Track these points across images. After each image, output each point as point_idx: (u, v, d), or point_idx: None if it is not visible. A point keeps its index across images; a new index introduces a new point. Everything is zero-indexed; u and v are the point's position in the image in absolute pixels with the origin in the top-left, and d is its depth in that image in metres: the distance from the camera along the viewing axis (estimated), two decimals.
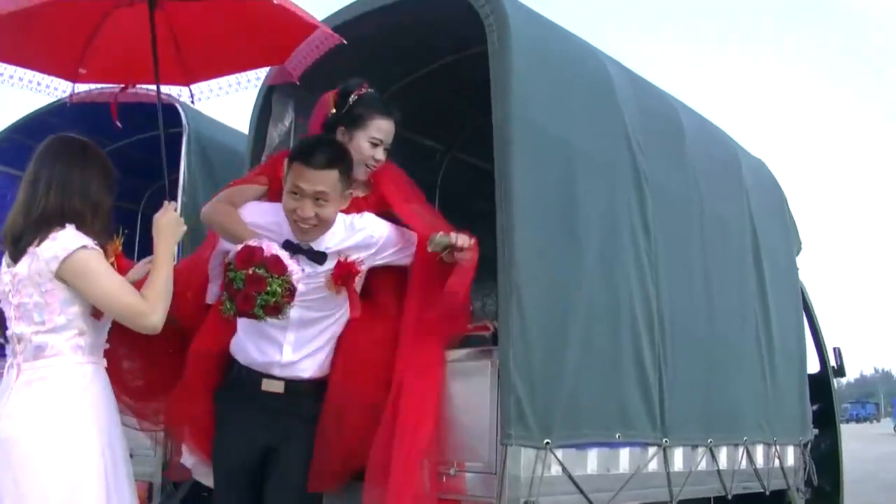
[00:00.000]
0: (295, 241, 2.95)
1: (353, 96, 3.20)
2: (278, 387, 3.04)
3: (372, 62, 3.97)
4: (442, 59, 4.16)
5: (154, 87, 3.28)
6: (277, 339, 3.03)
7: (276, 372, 3.05)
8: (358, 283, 3.02)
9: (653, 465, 3.58)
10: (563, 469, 3.10)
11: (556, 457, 3.05)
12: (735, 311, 4.39)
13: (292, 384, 3.05)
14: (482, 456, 2.97)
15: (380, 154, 3.22)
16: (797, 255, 5.46)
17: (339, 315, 3.07)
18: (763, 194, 4.99)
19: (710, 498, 4.38)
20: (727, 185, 4.56)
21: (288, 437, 3.03)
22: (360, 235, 3.04)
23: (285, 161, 2.96)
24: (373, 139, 3.18)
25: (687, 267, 3.99)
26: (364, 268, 3.03)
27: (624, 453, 3.44)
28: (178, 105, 4.73)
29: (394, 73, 4.14)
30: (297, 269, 2.81)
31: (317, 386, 3.08)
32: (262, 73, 3.54)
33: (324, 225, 2.93)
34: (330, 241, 2.99)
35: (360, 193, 3.24)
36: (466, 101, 4.30)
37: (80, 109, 5.18)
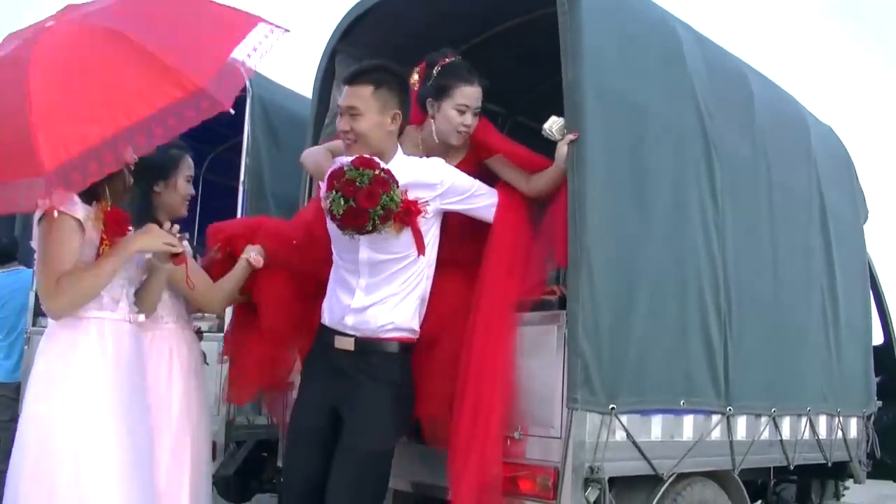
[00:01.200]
0: None
1: (437, 67, 3.27)
2: (348, 344, 3.05)
3: (436, 26, 3.95)
4: (506, 22, 4.12)
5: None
6: (351, 284, 3.07)
7: (349, 322, 3.05)
8: (425, 225, 3.02)
9: (716, 434, 3.56)
10: (628, 435, 3.10)
11: (620, 422, 3.05)
12: (801, 279, 4.32)
13: (361, 342, 3.04)
14: (547, 420, 2.97)
15: (469, 119, 3.27)
16: (864, 223, 5.34)
17: (408, 261, 3.04)
18: (831, 162, 4.88)
19: (769, 468, 4.37)
20: (795, 152, 4.46)
21: (353, 397, 3.02)
22: (420, 172, 3.05)
23: None
24: (458, 106, 3.24)
25: (754, 234, 3.93)
26: (429, 209, 3.02)
27: (688, 420, 3.42)
28: (241, 70, 4.77)
29: (458, 37, 4.10)
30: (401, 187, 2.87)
31: (386, 346, 3.06)
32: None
33: (362, 141, 2.96)
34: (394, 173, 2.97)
35: (455, 160, 3.32)
36: (530, 65, 4.26)
37: None
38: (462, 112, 3.24)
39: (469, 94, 3.25)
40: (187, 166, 3.32)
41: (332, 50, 4.11)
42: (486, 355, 3.01)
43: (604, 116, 3.08)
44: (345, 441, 3.00)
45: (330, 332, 3.11)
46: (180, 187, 3.28)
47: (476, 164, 3.37)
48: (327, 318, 3.15)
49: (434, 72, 3.27)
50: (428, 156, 3.27)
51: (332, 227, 3.00)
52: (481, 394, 2.98)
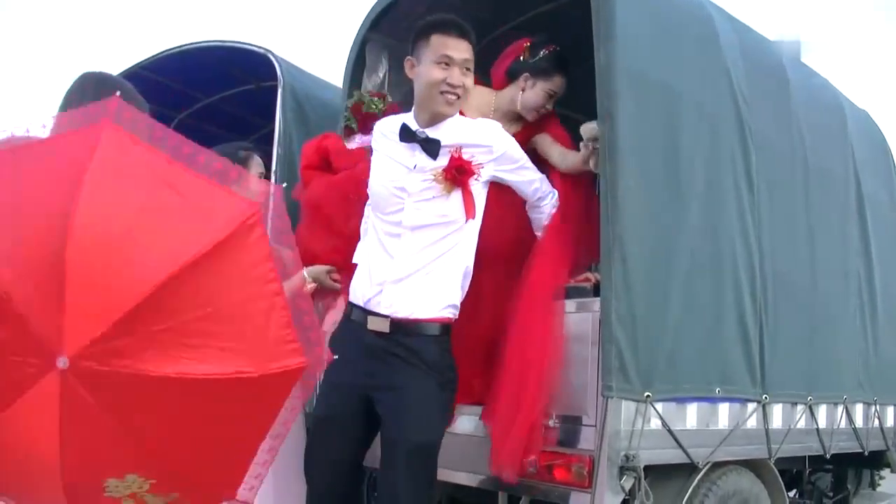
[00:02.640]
0: (413, 127, 2.97)
1: (544, 50, 3.51)
2: (383, 325, 2.85)
3: (466, 13, 3.92)
4: (537, 7, 4.09)
5: None
6: (389, 250, 2.91)
7: (384, 300, 2.87)
8: (477, 189, 2.95)
9: (752, 422, 3.53)
10: (663, 423, 3.07)
11: (656, 410, 3.03)
12: (838, 266, 4.27)
13: (396, 324, 2.85)
14: (582, 408, 2.96)
15: (550, 105, 3.55)
16: None
17: (454, 227, 2.91)
18: (868, 147, 4.81)
19: (804, 457, 4.33)
20: (832, 137, 4.41)
21: (391, 386, 2.83)
22: (477, 133, 3.00)
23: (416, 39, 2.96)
24: (550, 91, 3.49)
25: (790, 221, 3.89)
26: (483, 171, 2.94)
27: (723, 408, 3.39)
28: (273, 59, 4.79)
29: (488, 23, 4.08)
30: None
31: (425, 328, 2.87)
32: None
33: (464, 97, 2.99)
34: (448, 131, 2.96)
35: (514, 129, 3.52)
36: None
37: (174, 65, 5.30)
38: (550, 96, 3.50)
39: (561, 84, 3.51)
40: (255, 165, 3.38)
41: (362, 38, 4.11)
42: (531, 341, 3.01)
43: (637, 102, 3.04)
44: (391, 437, 2.83)
45: (362, 312, 2.91)
46: None
47: (526, 139, 3.53)
48: (359, 296, 2.95)
49: (541, 53, 3.50)
50: (497, 118, 3.44)
51: (378, 181, 3.00)
52: (526, 378, 2.98)
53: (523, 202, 3.27)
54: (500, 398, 3.04)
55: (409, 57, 2.98)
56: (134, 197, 1.98)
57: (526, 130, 3.55)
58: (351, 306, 3.00)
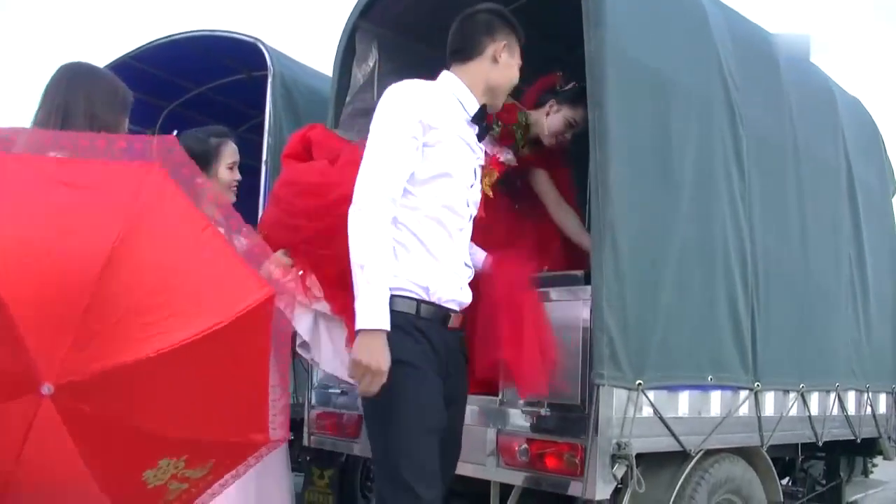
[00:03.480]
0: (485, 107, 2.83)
1: (574, 84, 3.64)
2: (460, 321, 2.76)
3: (455, 2, 3.91)
4: None
5: None
6: (463, 245, 2.77)
7: (462, 296, 2.75)
8: None
9: (744, 409, 3.53)
10: (655, 411, 3.07)
11: (647, 398, 3.02)
12: (829, 253, 4.27)
13: (462, 317, 2.78)
14: (573, 396, 2.95)
15: (569, 135, 3.70)
16: (892, 196, 5.27)
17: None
18: (859, 133, 4.81)
19: (797, 444, 4.33)
20: (822, 123, 4.40)
21: (459, 383, 2.79)
22: None
23: (503, 30, 2.83)
24: (572, 119, 3.64)
25: (781, 207, 3.88)
26: None
27: (715, 396, 3.39)
28: (263, 48, 4.77)
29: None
30: None
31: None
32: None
33: None
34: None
35: (528, 151, 3.76)
36: (552, 40, 4.22)
37: (164, 55, 5.27)
38: (570, 125, 3.65)
39: (583, 116, 3.43)
40: (229, 153, 3.29)
41: (352, 27, 4.09)
42: (518, 302, 2.96)
43: (627, 87, 3.02)
44: (457, 431, 2.80)
45: (443, 310, 2.68)
46: (222, 175, 3.26)
47: (532, 165, 3.80)
48: (436, 293, 2.64)
49: (570, 85, 3.69)
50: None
51: (461, 168, 2.71)
52: (524, 320, 2.92)
53: None
54: (503, 341, 2.91)
55: (505, 43, 2.80)
56: (36, 208, 1.93)
57: (532, 159, 3.77)
58: (422, 305, 2.63)
